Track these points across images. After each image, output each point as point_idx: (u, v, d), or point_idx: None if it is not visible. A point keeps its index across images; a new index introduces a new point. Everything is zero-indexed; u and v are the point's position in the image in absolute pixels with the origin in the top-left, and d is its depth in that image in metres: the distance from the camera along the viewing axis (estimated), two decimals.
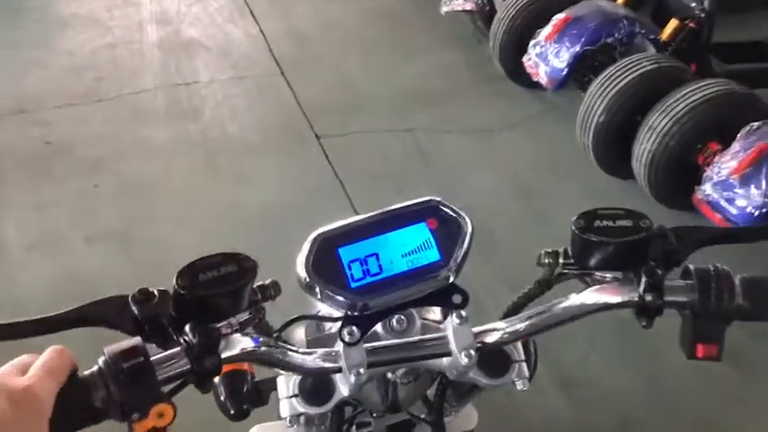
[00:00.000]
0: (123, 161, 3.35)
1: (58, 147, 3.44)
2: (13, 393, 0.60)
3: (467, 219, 0.81)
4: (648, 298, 0.75)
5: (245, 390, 1.01)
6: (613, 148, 3.04)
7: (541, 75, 3.47)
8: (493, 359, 0.85)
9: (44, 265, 2.76)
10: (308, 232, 0.79)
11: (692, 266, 0.77)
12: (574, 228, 0.78)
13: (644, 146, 2.84)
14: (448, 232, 0.81)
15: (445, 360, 0.83)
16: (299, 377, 0.84)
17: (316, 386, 0.84)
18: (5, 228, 2.97)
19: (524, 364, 0.86)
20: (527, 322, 0.82)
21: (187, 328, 0.69)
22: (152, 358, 0.66)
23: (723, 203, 2.58)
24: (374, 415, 1.09)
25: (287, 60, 4.14)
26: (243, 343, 0.74)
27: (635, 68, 2.99)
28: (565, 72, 3.36)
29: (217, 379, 1.02)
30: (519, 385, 0.86)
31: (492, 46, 3.80)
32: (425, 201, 0.82)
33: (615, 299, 0.78)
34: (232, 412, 1.01)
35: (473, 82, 3.95)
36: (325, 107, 3.72)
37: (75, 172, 3.27)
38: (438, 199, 0.82)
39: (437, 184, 3.12)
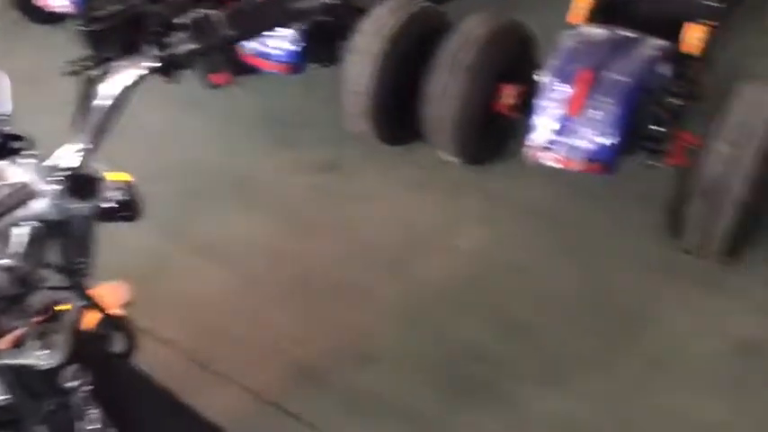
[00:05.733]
0: None
1: None
2: None
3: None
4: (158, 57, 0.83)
5: None
6: None
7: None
8: (83, 186, 0.86)
9: None
10: None
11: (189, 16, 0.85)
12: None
13: None
14: None
15: (39, 203, 0.83)
16: None
17: None
18: None
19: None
20: (90, 131, 0.86)
21: None
22: None
23: (577, 145, 2.36)
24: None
25: None
26: None
27: None
28: None
29: None
30: (117, 195, 0.91)
31: None
32: None
33: (143, 71, 0.86)
34: None
35: None
36: None
37: None
38: None
39: None
